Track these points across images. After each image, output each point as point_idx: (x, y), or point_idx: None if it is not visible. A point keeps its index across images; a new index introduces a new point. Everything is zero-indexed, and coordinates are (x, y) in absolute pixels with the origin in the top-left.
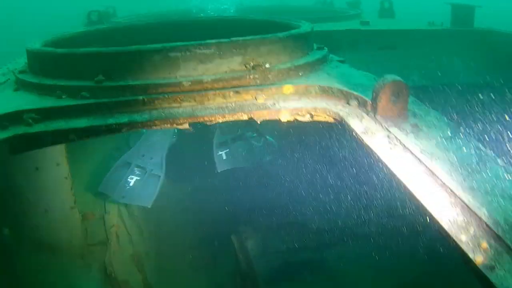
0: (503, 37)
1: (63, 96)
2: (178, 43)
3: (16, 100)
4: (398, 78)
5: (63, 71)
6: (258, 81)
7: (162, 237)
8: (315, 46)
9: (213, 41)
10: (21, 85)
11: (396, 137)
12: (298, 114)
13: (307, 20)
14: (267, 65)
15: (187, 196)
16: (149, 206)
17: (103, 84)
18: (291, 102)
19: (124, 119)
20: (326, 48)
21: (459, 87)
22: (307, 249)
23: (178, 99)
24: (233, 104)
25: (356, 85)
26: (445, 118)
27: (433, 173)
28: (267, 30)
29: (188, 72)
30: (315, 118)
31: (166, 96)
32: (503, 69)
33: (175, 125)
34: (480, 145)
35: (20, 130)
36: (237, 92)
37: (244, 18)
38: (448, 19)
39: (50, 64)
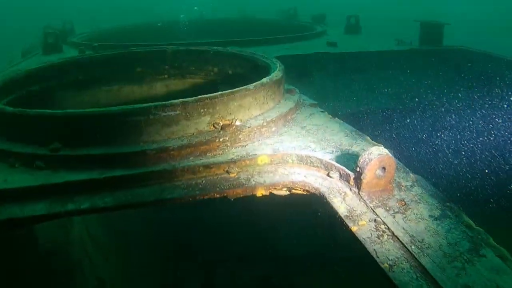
0: (474, 55)
1: (16, 165)
2: (140, 106)
3: None
4: (384, 151)
5: (14, 133)
6: (228, 144)
7: (127, 261)
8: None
9: (178, 101)
10: None
11: (383, 221)
12: (275, 189)
13: (274, 40)
14: (237, 122)
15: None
16: None
17: (59, 154)
18: (266, 175)
19: (85, 203)
20: (297, 92)
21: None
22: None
23: (145, 177)
24: (203, 180)
25: (336, 146)
26: (431, 187)
27: (426, 271)
28: (231, 62)
29: (151, 136)
30: (293, 192)
31: (130, 172)
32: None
33: (141, 207)
34: (471, 224)
35: None
36: (207, 167)
37: (209, 49)
38: (412, 34)
39: (0, 124)
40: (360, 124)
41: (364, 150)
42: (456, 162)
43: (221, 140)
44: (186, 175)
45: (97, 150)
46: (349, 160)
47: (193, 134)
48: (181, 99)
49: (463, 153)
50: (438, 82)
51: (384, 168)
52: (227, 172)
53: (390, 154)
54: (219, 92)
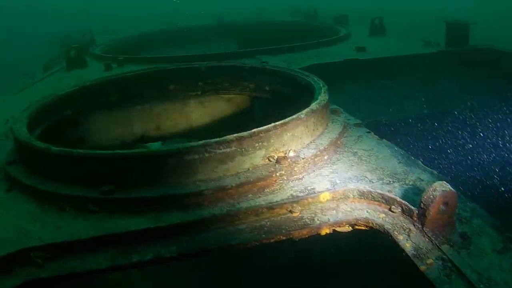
0: (503, 55)
1: (67, 208)
2: (195, 144)
3: (12, 211)
4: (447, 187)
5: (62, 174)
6: (284, 177)
7: None
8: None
9: (233, 137)
10: (14, 184)
11: (449, 258)
12: (339, 227)
13: (300, 47)
14: (291, 153)
15: None
16: None
17: (112, 196)
18: (329, 212)
19: (149, 254)
20: (342, 112)
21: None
22: None
23: (207, 222)
24: (267, 222)
25: (392, 175)
26: (489, 217)
27: None
28: (267, 79)
29: (207, 174)
30: (356, 228)
31: (191, 217)
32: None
33: (206, 255)
34: None
35: (31, 274)
36: (270, 208)
37: (243, 66)
38: (438, 34)
39: (45, 164)
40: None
41: (421, 179)
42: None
43: (277, 174)
44: (250, 217)
45: (152, 192)
46: (408, 191)
47: (249, 169)
48: (236, 135)
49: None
50: (470, 85)
51: (447, 203)
52: (290, 211)
53: (453, 189)
54: (272, 124)
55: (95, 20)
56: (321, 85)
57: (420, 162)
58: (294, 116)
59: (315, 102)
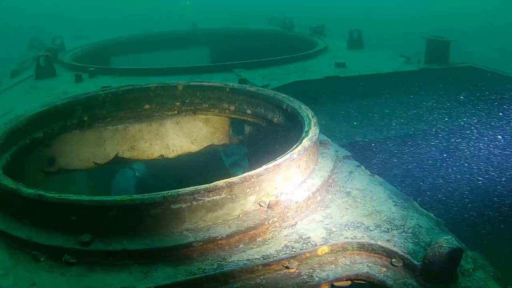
0: (484, 74)
1: (41, 259)
2: (182, 191)
3: None
4: (454, 243)
5: (36, 219)
6: (277, 224)
7: None
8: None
9: (223, 183)
10: None
11: None
12: (338, 281)
13: (281, 60)
14: (282, 197)
15: None
16: None
17: (91, 248)
18: (328, 267)
19: None
20: (331, 144)
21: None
22: None
23: (198, 282)
24: (263, 280)
25: (389, 221)
26: (491, 268)
27: None
28: (250, 101)
29: (194, 223)
30: (356, 282)
31: (182, 277)
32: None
33: None
34: None
35: None
36: (266, 265)
37: (224, 87)
38: (414, 47)
39: (16, 207)
40: (380, 153)
41: (419, 225)
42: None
43: (270, 222)
44: (244, 275)
45: (135, 244)
46: (407, 240)
47: (239, 216)
48: (225, 180)
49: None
50: (450, 103)
51: (452, 258)
52: (287, 267)
53: (459, 245)
54: (264, 167)
55: (67, 22)
56: (310, 116)
57: (416, 204)
58: (286, 157)
59: (307, 138)
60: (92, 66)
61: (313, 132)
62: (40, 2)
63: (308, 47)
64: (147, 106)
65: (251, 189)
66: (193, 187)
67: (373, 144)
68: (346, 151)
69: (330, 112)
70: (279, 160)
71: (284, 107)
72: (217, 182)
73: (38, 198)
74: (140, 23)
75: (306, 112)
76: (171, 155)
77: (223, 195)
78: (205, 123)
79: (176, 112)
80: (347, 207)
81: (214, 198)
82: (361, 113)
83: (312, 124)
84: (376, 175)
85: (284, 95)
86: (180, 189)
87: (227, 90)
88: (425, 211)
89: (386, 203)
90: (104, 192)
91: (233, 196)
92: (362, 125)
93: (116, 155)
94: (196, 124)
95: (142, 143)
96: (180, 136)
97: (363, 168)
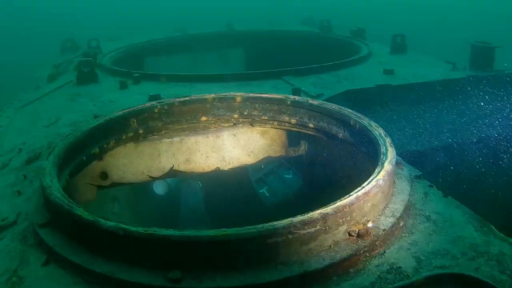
0: None
1: None
2: (278, 225)
3: None
4: None
5: (114, 253)
6: (367, 254)
7: None
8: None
9: (317, 214)
10: (52, 257)
11: None
12: None
13: (328, 67)
14: (370, 224)
15: None
16: None
17: (181, 286)
18: None
19: None
20: (403, 163)
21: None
22: None
23: None
24: None
25: (474, 249)
26: None
27: None
28: (312, 115)
29: (288, 257)
30: None
31: None
32: None
33: None
34: None
35: None
36: None
37: (285, 99)
38: (458, 54)
39: (93, 239)
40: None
41: (503, 253)
42: None
43: (361, 252)
44: None
45: (229, 281)
46: (494, 269)
47: (330, 246)
48: (319, 211)
49: None
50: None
51: None
52: None
53: None
54: (355, 196)
55: (96, 23)
56: (383, 135)
57: (493, 228)
58: (373, 183)
59: (387, 161)
60: (136, 71)
61: (391, 154)
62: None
63: (350, 51)
64: (203, 118)
65: (343, 219)
66: (288, 219)
67: (427, 153)
68: (417, 170)
69: (382, 121)
70: (367, 187)
71: (351, 123)
72: (311, 213)
73: (119, 232)
74: (171, 23)
75: (377, 130)
76: (227, 167)
77: (318, 227)
78: (262, 135)
79: (233, 123)
80: (431, 233)
81: (309, 230)
82: (413, 121)
83: (388, 144)
84: (449, 196)
85: (350, 110)
86: (275, 222)
87: (288, 103)
88: (504, 236)
89: (467, 228)
90: (168, 208)
91: (327, 227)
92: (414, 134)
93: (172, 168)
94: (253, 136)
95: (198, 156)
96: (236, 148)
97: (435, 188)
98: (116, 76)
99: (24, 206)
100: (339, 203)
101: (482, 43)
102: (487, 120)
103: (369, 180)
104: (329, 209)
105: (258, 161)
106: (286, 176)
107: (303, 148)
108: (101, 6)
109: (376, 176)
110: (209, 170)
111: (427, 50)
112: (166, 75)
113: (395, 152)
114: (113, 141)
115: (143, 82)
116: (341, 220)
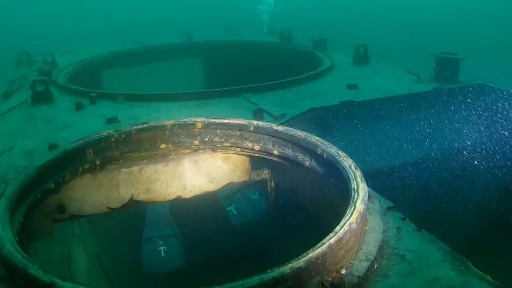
0: (497, 93)
1: None
2: (247, 283)
3: None
4: None
5: None
6: None
7: None
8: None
9: (288, 269)
10: None
11: None
12: None
13: (291, 82)
14: (343, 271)
15: None
16: (182, 266)
17: None
18: None
19: None
20: (374, 196)
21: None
22: None
23: None
24: None
25: None
26: None
27: None
28: (277, 142)
29: None
30: None
31: None
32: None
33: None
34: None
35: None
36: None
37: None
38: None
39: None
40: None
41: None
42: None
43: None
44: None
45: None
46: None
47: None
48: (291, 266)
49: None
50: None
51: None
52: None
53: None
54: (327, 245)
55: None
56: (353, 167)
57: (471, 265)
58: (345, 228)
59: (360, 200)
60: (92, 90)
61: (362, 190)
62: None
63: (312, 62)
64: (163, 146)
65: (316, 271)
66: (258, 277)
67: (393, 170)
68: (388, 201)
69: (346, 139)
70: (340, 233)
71: (318, 152)
72: (282, 268)
73: None
74: (128, 33)
75: (346, 161)
76: (189, 195)
77: (290, 283)
78: (224, 160)
79: (193, 150)
80: (407, 275)
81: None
82: (377, 138)
83: (359, 179)
84: (423, 230)
85: (317, 138)
86: (245, 280)
87: (251, 128)
88: (482, 273)
89: (443, 267)
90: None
91: (300, 282)
92: (379, 151)
93: (131, 198)
94: (215, 162)
95: (158, 185)
96: (198, 176)
97: (408, 221)
98: (72, 95)
99: None
100: (311, 255)
101: (447, 54)
102: (452, 133)
103: (341, 224)
104: (300, 262)
105: (221, 187)
106: (252, 196)
107: (266, 173)
108: (57, 15)
109: (348, 218)
110: (170, 198)
111: (389, 58)
112: (124, 94)
113: (366, 187)
114: (69, 175)
115: (99, 102)
116: (313, 272)
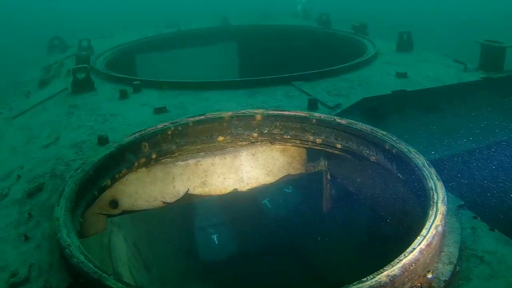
0: None
1: None
2: None
3: None
4: None
5: None
6: None
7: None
8: None
9: (384, 276)
10: None
11: None
12: None
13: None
14: (430, 276)
15: None
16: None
17: None
18: None
19: None
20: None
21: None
22: None
23: None
24: None
25: None
26: None
27: None
28: (340, 135)
29: None
30: None
31: None
32: None
33: None
34: None
35: None
36: None
37: (309, 117)
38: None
39: None
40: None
41: None
42: None
43: None
44: None
45: None
46: None
47: None
48: (386, 273)
49: None
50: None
51: None
52: None
53: None
54: (418, 249)
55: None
56: (427, 165)
57: None
58: (432, 231)
59: (440, 201)
60: (136, 78)
61: (441, 191)
62: None
63: (354, 48)
64: (220, 138)
65: (409, 277)
66: (356, 285)
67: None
68: (457, 199)
69: (400, 129)
70: (428, 237)
71: (386, 147)
72: (378, 277)
73: None
74: (162, 17)
75: (419, 158)
76: (245, 188)
77: None
78: (282, 152)
79: (251, 142)
80: (488, 278)
81: None
82: (428, 129)
83: (435, 178)
84: (496, 230)
85: (383, 132)
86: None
87: (313, 121)
88: None
89: None
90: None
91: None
92: (433, 142)
93: (187, 192)
94: (273, 154)
95: (215, 178)
96: (255, 168)
97: (480, 220)
98: (113, 82)
99: (35, 256)
100: (404, 261)
101: (492, 42)
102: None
103: (427, 227)
104: (395, 269)
105: (277, 179)
106: (286, 190)
107: (323, 165)
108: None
109: (433, 221)
110: (226, 192)
111: (430, 46)
112: (169, 82)
113: (443, 186)
114: (125, 169)
115: (144, 90)
116: (407, 278)
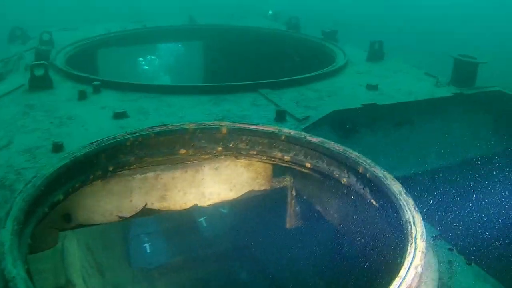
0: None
1: None
2: None
3: None
4: None
5: None
6: None
7: None
8: None
9: None
10: None
11: None
12: None
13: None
14: None
15: None
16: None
17: None
18: None
19: None
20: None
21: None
22: None
23: None
24: None
25: None
26: None
27: None
28: (310, 153)
29: None
30: None
31: None
32: None
33: None
34: None
35: None
36: None
37: (279, 133)
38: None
39: None
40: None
41: None
42: None
43: None
44: None
45: None
46: None
47: None
48: None
49: None
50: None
51: None
52: None
53: None
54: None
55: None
56: (403, 193)
57: None
58: (412, 272)
59: (420, 237)
60: (96, 78)
61: (420, 224)
62: None
63: (323, 55)
64: (182, 151)
65: None
66: None
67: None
68: (433, 229)
69: (368, 145)
70: (408, 279)
71: (360, 170)
72: None
73: None
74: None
75: (395, 185)
76: (206, 204)
77: None
78: (246, 167)
79: (215, 155)
80: None
81: None
82: (398, 144)
83: (413, 209)
84: (473, 263)
85: (357, 153)
86: None
87: (283, 138)
88: None
89: None
90: None
91: None
92: (401, 158)
93: (145, 206)
94: (237, 169)
95: (175, 192)
96: (218, 183)
97: (456, 252)
98: (73, 80)
99: None
100: None
101: (465, 57)
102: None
103: (405, 267)
104: None
105: (240, 195)
106: (222, 210)
107: (288, 181)
108: None
109: (412, 260)
110: (187, 207)
111: (400, 55)
112: (130, 84)
113: (421, 218)
114: (79, 183)
115: (103, 91)
116: None
